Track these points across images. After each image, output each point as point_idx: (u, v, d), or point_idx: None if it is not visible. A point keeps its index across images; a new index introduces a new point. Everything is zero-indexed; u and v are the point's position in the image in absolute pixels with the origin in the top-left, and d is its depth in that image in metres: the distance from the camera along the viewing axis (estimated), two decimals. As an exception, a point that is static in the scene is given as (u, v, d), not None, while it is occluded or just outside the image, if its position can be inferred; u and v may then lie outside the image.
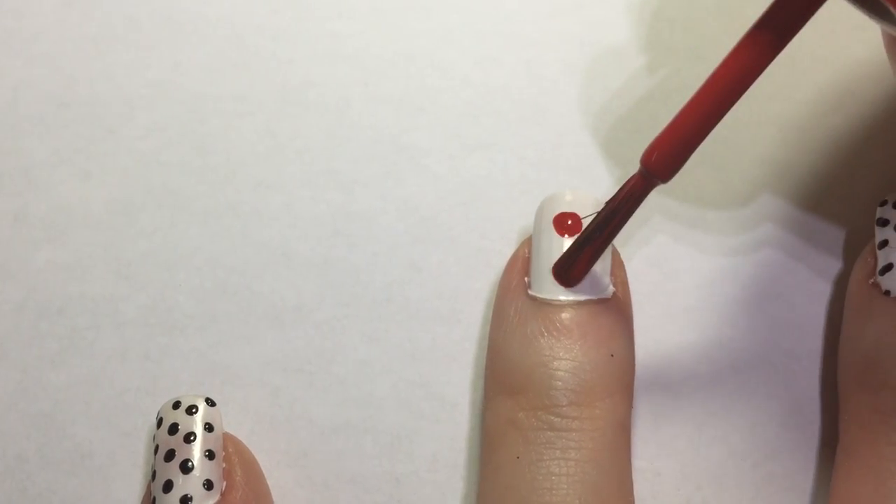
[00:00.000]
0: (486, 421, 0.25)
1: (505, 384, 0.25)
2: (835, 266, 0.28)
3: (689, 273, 0.28)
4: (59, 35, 0.31)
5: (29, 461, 0.27)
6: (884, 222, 0.26)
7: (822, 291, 0.28)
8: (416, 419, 0.27)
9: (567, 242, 0.25)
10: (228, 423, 0.27)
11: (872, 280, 0.25)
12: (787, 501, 0.26)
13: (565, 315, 0.25)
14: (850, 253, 0.28)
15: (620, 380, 0.25)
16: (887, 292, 0.25)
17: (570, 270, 0.25)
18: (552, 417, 0.24)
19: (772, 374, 0.27)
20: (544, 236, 0.26)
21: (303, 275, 0.28)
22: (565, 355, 0.24)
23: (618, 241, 0.28)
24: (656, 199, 0.29)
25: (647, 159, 0.23)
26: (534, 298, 0.25)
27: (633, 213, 0.24)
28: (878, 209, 0.26)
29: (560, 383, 0.24)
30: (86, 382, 0.27)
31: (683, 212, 0.29)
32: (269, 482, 0.26)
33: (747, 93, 0.30)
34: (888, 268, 0.25)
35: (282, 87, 0.30)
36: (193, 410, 0.25)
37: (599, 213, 0.24)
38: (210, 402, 0.25)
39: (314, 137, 0.30)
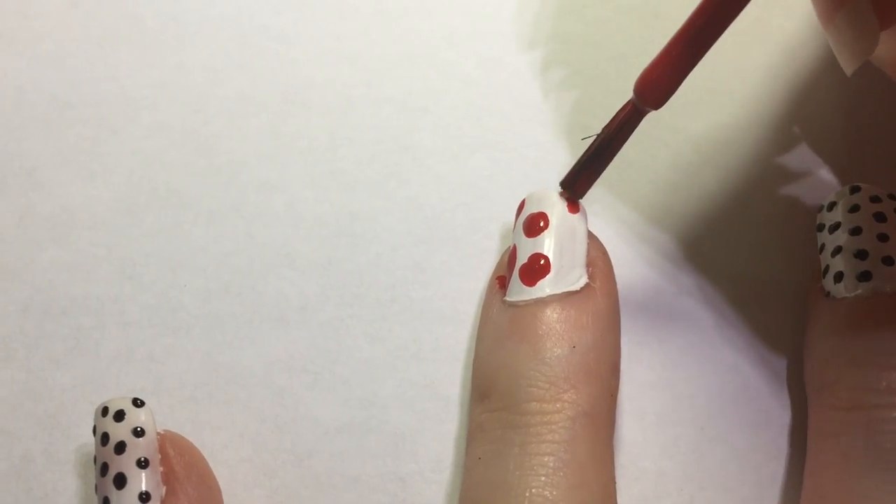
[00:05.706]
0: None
1: (476, 389, 0.25)
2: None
3: (690, 274, 0.28)
4: (63, 36, 0.31)
5: (34, 461, 0.27)
6: (820, 227, 0.26)
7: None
8: (420, 419, 0.27)
9: (535, 242, 0.25)
10: (234, 423, 0.27)
11: (820, 284, 0.26)
12: (789, 502, 0.26)
13: (528, 315, 0.25)
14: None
15: (584, 369, 0.24)
16: (828, 294, 0.25)
17: (574, 187, 0.26)
18: (512, 416, 0.23)
19: (773, 374, 0.27)
20: (516, 240, 0.26)
21: (306, 275, 0.28)
22: (525, 355, 0.24)
23: (621, 243, 0.28)
24: (658, 198, 0.29)
25: (639, 88, 0.24)
26: (504, 303, 0.25)
27: (626, 139, 0.25)
28: (818, 215, 0.27)
29: (523, 382, 0.24)
30: (91, 383, 0.27)
31: (685, 212, 0.29)
32: (274, 482, 0.26)
33: (750, 93, 0.30)
34: (826, 270, 0.26)
35: (285, 87, 0.30)
36: (121, 417, 0.24)
37: (595, 141, 0.25)
38: (138, 403, 0.24)
39: (317, 138, 0.30)
